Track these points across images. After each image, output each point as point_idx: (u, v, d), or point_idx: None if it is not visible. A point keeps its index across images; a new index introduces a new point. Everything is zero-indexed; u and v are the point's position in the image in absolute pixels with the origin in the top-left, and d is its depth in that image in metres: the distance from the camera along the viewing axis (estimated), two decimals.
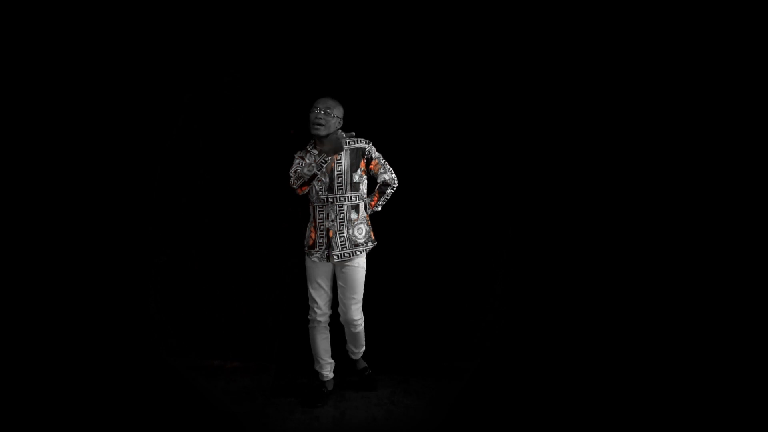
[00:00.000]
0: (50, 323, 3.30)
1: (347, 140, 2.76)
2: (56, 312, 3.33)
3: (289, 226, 3.43)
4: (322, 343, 2.97)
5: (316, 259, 2.86)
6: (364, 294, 2.96)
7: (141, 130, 3.45)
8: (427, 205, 3.49)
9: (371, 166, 2.86)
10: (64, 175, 3.36)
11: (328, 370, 3.03)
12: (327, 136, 2.72)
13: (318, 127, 2.70)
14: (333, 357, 3.06)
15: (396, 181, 2.96)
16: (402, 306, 3.53)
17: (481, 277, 3.70)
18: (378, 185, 2.96)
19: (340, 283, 2.90)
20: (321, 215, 2.82)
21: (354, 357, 3.15)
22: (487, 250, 3.68)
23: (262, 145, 3.58)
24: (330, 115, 2.72)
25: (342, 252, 2.82)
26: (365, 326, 3.03)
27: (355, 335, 3.01)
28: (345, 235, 2.81)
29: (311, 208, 2.88)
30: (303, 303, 3.09)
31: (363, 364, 3.18)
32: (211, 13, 3.41)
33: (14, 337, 3.19)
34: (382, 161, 2.90)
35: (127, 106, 3.41)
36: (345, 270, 2.85)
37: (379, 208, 3.00)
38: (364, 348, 3.12)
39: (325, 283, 2.90)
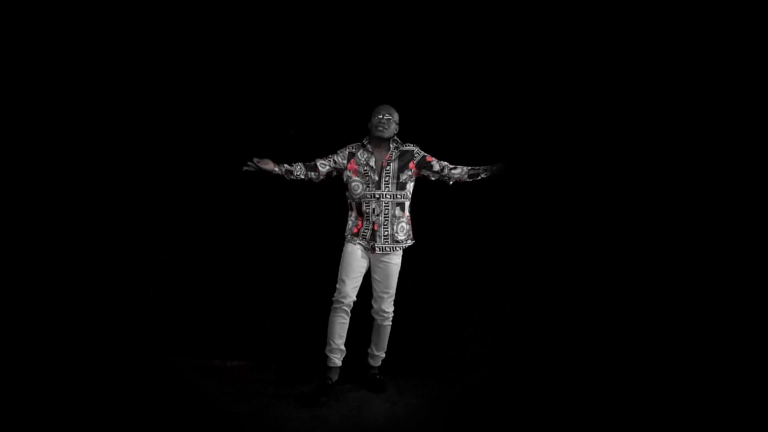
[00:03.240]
0: (51, 323, 3.30)
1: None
2: (57, 312, 3.32)
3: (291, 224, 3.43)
4: (339, 327, 2.99)
5: (359, 246, 2.99)
6: (369, 293, 3.05)
7: (141, 130, 3.45)
8: (426, 205, 3.49)
9: (428, 159, 3.04)
10: (64, 176, 3.36)
11: (337, 356, 3.02)
12: (388, 138, 3.00)
13: (382, 130, 2.96)
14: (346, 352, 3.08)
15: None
16: (402, 306, 3.52)
17: (481, 277, 3.71)
18: (455, 168, 3.06)
19: (376, 277, 3.05)
20: (367, 209, 2.98)
21: (373, 362, 3.19)
22: (487, 250, 3.68)
23: (262, 145, 3.58)
24: (391, 121, 2.98)
25: (384, 245, 2.99)
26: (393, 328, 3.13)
27: (381, 330, 3.11)
28: (389, 230, 2.98)
29: (354, 203, 3.03)
30: (304, 302, 3.09)
31: (376, 371, 3.21)
32: (211, 13, 3.41)
33: (14, 337, 3.19)
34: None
35: (128, 106, 3.41)
36: (382, 266, 3.02)
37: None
38: (384, 355, 3.18)
39: (359, 271, 3.00)
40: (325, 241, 3.70)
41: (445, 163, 3.05)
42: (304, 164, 2.99)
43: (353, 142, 3.06)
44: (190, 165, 3.55)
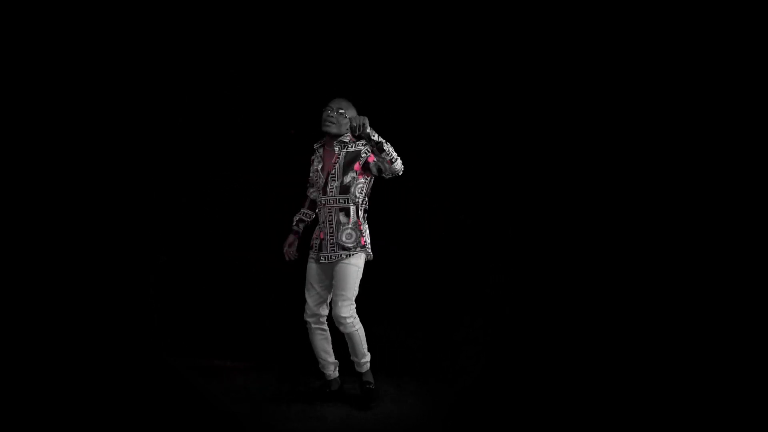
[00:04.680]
0: (51, 323, 3.30)
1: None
2: (57, 312, 3.33)
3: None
4: (319, 342, 2.96)
5: (311, 259, 2.91)
6: (363, 294, 2.90)
7: (141, 130, 3.45)
8: (427, 205, 3.49)
9: (369, 159, 2.79)
10: (64, 176, 3.36)
11: (331, 370, 3.01)
12: (338, 135, 2.82)
13: (328, 124, 2.79)
14: (337, 359, 3.05)
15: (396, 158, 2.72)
16: (402, 306, 3.53)
17: (481, 277, 3.71)
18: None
19: (331, 281, 2.87)
20: (320, 217, 2.88)
21: (359, 369, 2.94)
22: (487, 249, 3.68)
23: (262, 145, 3.58)
24: (343, 116, 2.79)
25: (330, 254, 2.81)
26: (367, 335, 2.91)
27: (348, 337, 2.84)
28: (335, 238, 2.81)
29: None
30: (304, 302, 3.08)
31: (367, 378, 2.94)
32: (211, 13, 3.41)
33: (15, 337, 3.19)
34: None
35: (128, 106, 3.41)
36: (337, 267, 2.82)
37: (392, 157, 2.67)
38: (366, 359, 2.91)
39: (317, 284, 2.90)
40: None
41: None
42: (307, 209, 3.02)
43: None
44: (190, 165, 3.55)
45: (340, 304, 2.77)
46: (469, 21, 3.49)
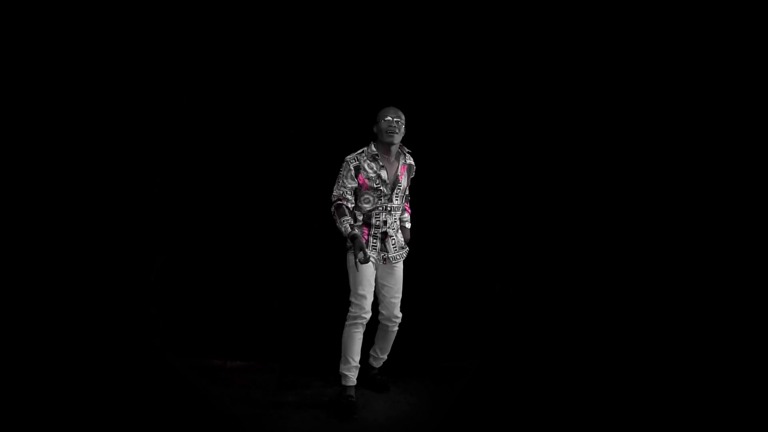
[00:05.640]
0: (50, 323, 3.30)
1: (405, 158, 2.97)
2: (56, 312, 3.32)
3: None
4: (358, 344, 2.93)
5: (372, 259, 2.92)
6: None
7: (141, 130, 3.45)
8: (427, 208, 3.49)
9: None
10: (64, 176, 3.36)
11: (354, 374, 2.96)
12: (396, 144, 2.87)
13: (393, 134, 2.84)
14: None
15: None
16: (402, 306, 3.53)
17: (480, 278, 3.71)
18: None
19: (385, 284, 3.00)
20: (377, 220, 2.93)
21: (375, 364, 3.19)
22: (486, 251, 3.69)
23: (262, 144, 3.58)
24: (401, 124, 2.87)
25: (395, 255, 2.98)
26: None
27: (390, 335, 3.09)
28: (396, 240, 2.98)
29: (362, 215, 2.93)
30: (308, 301, 3.07)
31: (377, 371, 3.21)
32: (211, 13, 3.41)
33: (14, 337, 3.19)
34: None
35: (127, 106, 3.40)
36: (393, 271, 3.00)
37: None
38: (386, 356, 3.18)
39: (371, 284, 2.93)
40: (326, 241, 3.68)
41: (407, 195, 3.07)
42: (350, 216, 2.86)
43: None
44: (190, 165, 3.54)
45: (398, 305, 3.04)
46: (471, 21, 3.50)
